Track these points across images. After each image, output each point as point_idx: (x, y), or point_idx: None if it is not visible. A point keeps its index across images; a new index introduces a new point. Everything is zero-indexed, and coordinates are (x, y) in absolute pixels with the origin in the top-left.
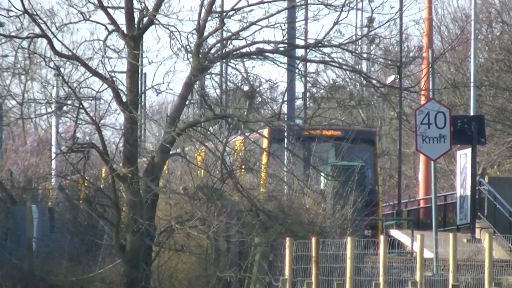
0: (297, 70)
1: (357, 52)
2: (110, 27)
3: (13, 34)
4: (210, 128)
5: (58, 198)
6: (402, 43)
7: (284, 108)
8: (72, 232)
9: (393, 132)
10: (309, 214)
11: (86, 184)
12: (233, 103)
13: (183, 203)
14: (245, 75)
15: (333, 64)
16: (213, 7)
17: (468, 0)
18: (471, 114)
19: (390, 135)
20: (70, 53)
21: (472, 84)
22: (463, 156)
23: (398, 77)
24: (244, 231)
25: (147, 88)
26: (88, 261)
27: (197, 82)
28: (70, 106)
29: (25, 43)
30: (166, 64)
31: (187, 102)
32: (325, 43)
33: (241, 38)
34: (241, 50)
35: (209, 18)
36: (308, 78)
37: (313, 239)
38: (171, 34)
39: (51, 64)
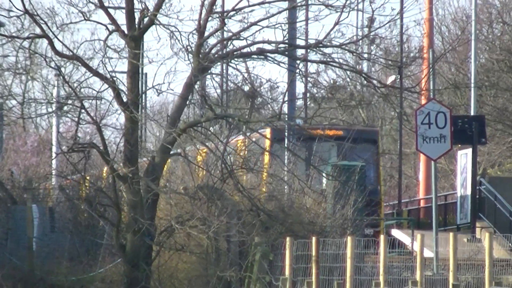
0: (297, 70)
1: (357, 52)
2: (111, 27)
3: (14, 34)
4: (211, 128)
5: (58, 198)
6: (403, 44)
7: (285, 108)
8: (72, 232)
9: (394, 132)
10: (310, 214)
11: (86, 184)
12: (233, 103)
13: (183, 203)
14: (246, 75)
15: (334, 64)
16: (214, 7)
17: (469, 1)
18: (472, 114)
19: (390, 135)
20: (70, 53)
21: (472, 84)
22: (464, 156)
23: (399, 77)
24: (245, 231)
25: (147, 88)
26: (88, 261)
27: (198, 82)
28: (71, 106)
29: (26, 43)
30: (167, 64)
31: (187, 102)
32: (326, 43)
33: (241, 38)
34: (241, 50)
35: (210, 18)
36: (308, 78)
37: (314, 239)
38: (172, 34)
39: (52, 64)
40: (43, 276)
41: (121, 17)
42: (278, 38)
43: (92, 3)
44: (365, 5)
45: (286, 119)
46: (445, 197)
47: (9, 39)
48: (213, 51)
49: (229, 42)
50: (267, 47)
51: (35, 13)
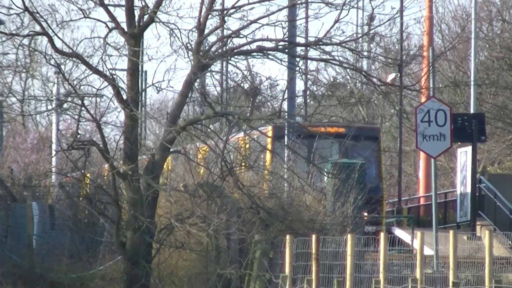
0: (297, 68)
1: (357, 50)
2: (111, 25)
3: (13, 32)
4: (211, 126)
5: (58, 195)
6: (403, 42)
7: (285, 106)
8: (72, 229)
9: (394, 130)
10: (310, 212)
11: (86, 182)
12: (233, 101)
13: (183, 200)
14: (247, 73)
15: (334, 62)
16: (214, 5)
17: None
18: (472, 112)
19: (390, 132)
20: (70, 51)
21: (472, 82)
22: (464, 154)
23: (399, 75)
24: (245, 229)
25: (147, 85)
26: (88, 258)
27: (198, 80)
28: (71, 104)
29: (25, 41)
30: (167, 62)
31: (187, 100)
32: (326, 41)
33: (241, 36)
34: (241, 48)
35: (210, 16)
36: (308, 76)
37: (313, 237)
38: (172, 32)
39: (52, 62)
40: (43, 273)
41: (121, 15)
42: (278, 36)
43: (92, 0)
44: (365, 3)
45: (286, 116)
46: (445, 195)
47: (9, 37)
48: (213, 48)
49: (229, 40)
50: (267, 45)
51: (35, 11)
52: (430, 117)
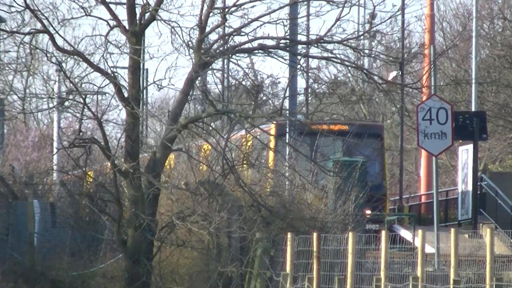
0: (299, 66)
1: (359, 48)
2: (112, 23)
3: (15, 29)
4: (212, 124)
5: (59, 193)
6: (404, 40)
7: (286, 104)
8: (73, 227)
9: (395, 128)
10: (311, 210)
11: (87, 180)
12: (234, 98)
13: (184, 198)
14: (250, 70)
15: (335, 60)
16: (215, 2)
17: None
18: (473, 110)
19: (392, 130)
20: (71, 49)
21: (473, 80)
22: (465, 152)
23: (400, 73)
24: (246, 227)
25: (149, 83)
26: (89, 256)
27: (199, 78)
28: (72, 102)
29: (27, 39)
30: (168, 60)
31: (189, 98)
32: (327, 39)
33: (243, 34)
34: (242, 46)
35: (211, 13)
36: (309, 74)
37: (315, 234)
38: (173, 30)
39: (53, 60)
40: (44, 271)
41: (122, 13)
42: (279, 34)
43: None
44: (366, 0)
45: (287, 114)
46: (446, 193)
47: (10, 35)
48: (214, 46)
49: (230, 38)
50: (268, 43)
51: (36, 8)
52: (431, 115)
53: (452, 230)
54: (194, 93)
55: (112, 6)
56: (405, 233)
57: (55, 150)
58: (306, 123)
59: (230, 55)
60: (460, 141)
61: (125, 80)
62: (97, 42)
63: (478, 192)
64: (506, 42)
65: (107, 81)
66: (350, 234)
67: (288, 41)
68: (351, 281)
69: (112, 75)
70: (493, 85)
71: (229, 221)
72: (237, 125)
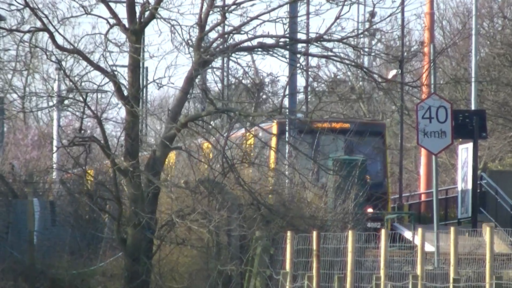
0: (298, 64)
1: (358, 46)
2: (112, 21)
3: (14, 28)
4: (212, 122)
5: (59, 191)
6: (404, 38)
7: (286, 102)
8: (73, 225)
9: (395, 126)
10: (311, 208)
11: (87, 178)
12: (234, 97)
13: (184, 197)
14: (250, 68)
15: (335, 58)
16: (215, 1)
17: None
18: (473, 108)
19: (391, 128)
20: (71, 47)
21: (473, 78)
22: (465, 150)
23: (400, 71)
24: (245, 225)
25: (148, 82)
26: (89, 254)
27: (199, 76)
28: (72, 100)
29: (26, 37)
30: (168, 58)
31: (188, 96)
32: (327, 37)
33: (242, 32)
34: (242, 44)
35: (211, 12)
36: (309, 72)
37: (314, 233)
38: (173, 28)
39: (53, 58)
40: (44, 269)
41: (122, 11)
42: (279, 32)
43: None
44: None
45: (287, 113)
46: (446, 191)
47: (10, 33)
48: (214, 45)
49: (230, 36)
50: (268, 41)
51: (36, 7)
52: (431, 114)
53: (452, 228)
54: (194, 91)
55: (112, 5)
56: (404, 231)
57: (55, 149)
58: (307, 121)
59: (230, 54)
60: (460, 139)
61: (125, 79)
62: (97, 41)
63: (478, 191)
64: (505, 40)
65: (107, 80)
66: (350, 232)
67: (287, 39)
68: (351, 280)
69: (112, 73)
70: (493, 83)
71: (228, 220)
72: (237, 123)
